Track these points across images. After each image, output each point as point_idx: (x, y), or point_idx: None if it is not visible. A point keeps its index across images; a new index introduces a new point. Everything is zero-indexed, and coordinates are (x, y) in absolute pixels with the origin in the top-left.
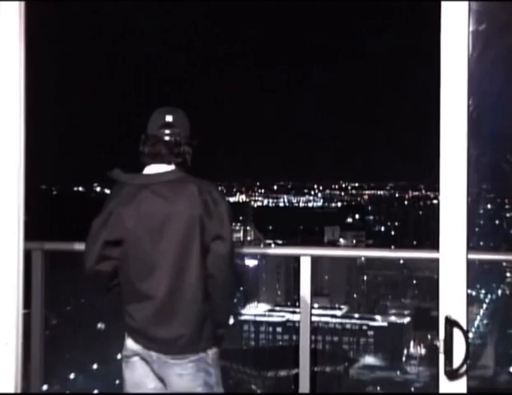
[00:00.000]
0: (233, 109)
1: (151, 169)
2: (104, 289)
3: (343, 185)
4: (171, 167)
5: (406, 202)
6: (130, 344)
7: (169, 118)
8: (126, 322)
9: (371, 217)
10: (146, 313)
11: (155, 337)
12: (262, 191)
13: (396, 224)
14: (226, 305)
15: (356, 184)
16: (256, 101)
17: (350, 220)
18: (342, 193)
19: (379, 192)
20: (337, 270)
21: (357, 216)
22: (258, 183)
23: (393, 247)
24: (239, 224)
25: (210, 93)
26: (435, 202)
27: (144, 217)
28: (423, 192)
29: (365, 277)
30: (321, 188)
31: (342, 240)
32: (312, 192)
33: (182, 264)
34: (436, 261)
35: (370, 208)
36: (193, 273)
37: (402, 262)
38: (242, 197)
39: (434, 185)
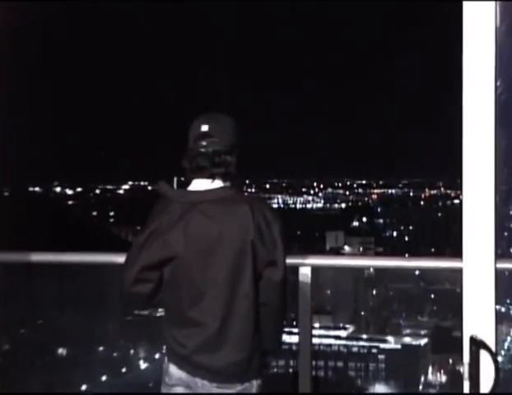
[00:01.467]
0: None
1: (198, 184)
2: (139, 309)
3: (348, 183)
4: (219, 183)
5: (422, 203)
6: (174, 371)
7: (204, 128)
8: (171, 348)
9: (381, 220)
10: (195, 340)
11: (204, 365)
12: (253, 190)
13: (410, 228)
14: (277, 333)
15: (364, 182)
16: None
17: (356, 223)
18: (347, 192)
19: (390, 191)
20: (341, 283)
21: (365, 219)
22: (246, 182)
23: (407, 255)
24: None
25: (199, 89)
26: (456, 201)
27: (192, 240)
28: (442, 190)
29: (375, 291)
30: (322, 186)
31: (346, 247)
32: (311, 192)
33: (233, 292)
34: (459, 271)
35: (379, 210)
36: (245, 302)
37: (418, 273)
38: None
39: (455, 182)
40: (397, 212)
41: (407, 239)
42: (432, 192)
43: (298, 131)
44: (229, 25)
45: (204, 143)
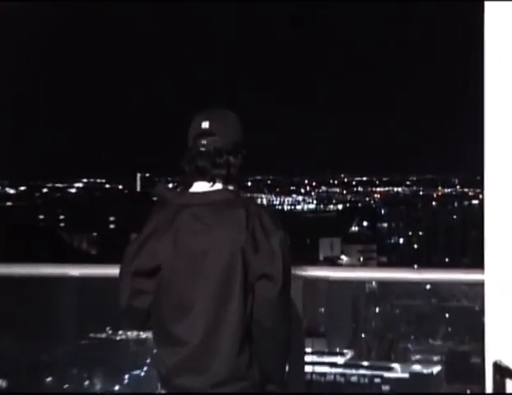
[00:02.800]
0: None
1: (198, 187)
2: (140, 328)
3: (345, 180)
4: (218, 185)
5: (434, 203)
6: (159, 391)
7: (204, 125)
8: (156, 366)
9: (385, 224)
10: (176, 359)
11: (184, 386)
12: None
13: (420, 233)
14: (276, 359)
15: (364, 178)
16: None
17: (355, 228)
18: (344, 191)
19: (395, 190)
20: (337, 299)
21: (365, 223)
22: None
23: (416, 266)
24: None
25: (186, 85)
26: (475, 202)
27: (181, 247)
28: (458, 188)
29: (378, 309)
30: (314, 183)
31: (344, 257)
32: (301, 190)
33: (221, 307)
34: (479, 285)
35: (383, 212)
36: (233, 318)
37: (429, 287)
38: None
39: (474, 179)
40: (405, 215)
41: (416, 246)
42: (446, 190)
43: (286, 120)
44: (228, 24)
45: (204, 142)
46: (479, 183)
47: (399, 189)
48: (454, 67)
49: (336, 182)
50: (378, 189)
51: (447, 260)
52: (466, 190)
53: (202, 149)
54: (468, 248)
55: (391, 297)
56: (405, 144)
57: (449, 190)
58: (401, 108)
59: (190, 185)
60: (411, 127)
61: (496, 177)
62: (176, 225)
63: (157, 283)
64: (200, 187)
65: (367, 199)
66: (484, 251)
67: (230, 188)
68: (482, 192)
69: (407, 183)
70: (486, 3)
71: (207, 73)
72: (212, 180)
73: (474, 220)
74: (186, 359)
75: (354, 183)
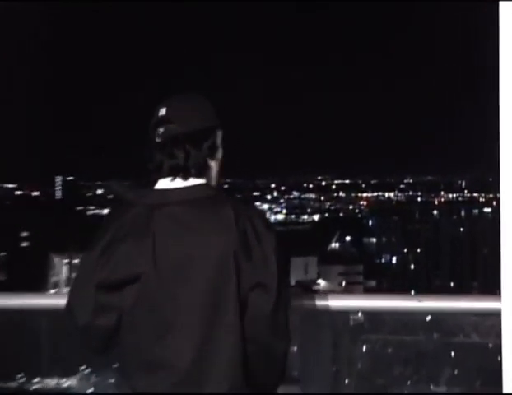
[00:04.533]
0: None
1: (164, 183)
2: (99, 352)
3: (323, 183)
4: (194, 180)
5: (435, 212)
6: None
7: (162, 112)
8: None
9: (373, 239)
10: (161, 387)
11: None
12: None
13: (418, 250)
14: (272, 382)
15: (347, 181)
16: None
17: (336, 244)
18: (322, 198)
19: (387, 195)
20: (314, 334)
21: (349, 238)
22: None
23: (413, 292)
24: None
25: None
26: (486, 210)
27: (160, 254)
28: (465, 193)
29: (365, 347)
30: (283, 188)
31: (322, 281)
32: (267, 197)
33: (211, 322)
34: (494, 316)
35: (371, 223)
36: (228, 336)
37: (429, 318)
38: None
39: (484, 181)
40: (398, 227)
41: (412, 267)
42: (450, 195)
43: (249, 112)
44: (228, 24)
45: (160, 131)
46: (492, 186)
47: (391, 194)
48: (455, 64)
49: (311, 186)
50: (364, 195)
51: (452, 284)
52: (475, 195)
53: (158, 140)
54: (479, 270)
55: (382, 332)
56: (399, 140)
57: (455, 195)
58: (395, 101)
59: (154, 183)
60: (406, 122)
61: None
62: (152, 228)
63: (129, 297)
64: (166, 183)
65: (351, 207)
66: (500, 273)
67: (202, 181)
68: (497, 198)
69: (402, 186)
70: (500, 3)
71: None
72: (171, 174)
73: (486, 234)
74: (172, 386)
75: (334, 187)
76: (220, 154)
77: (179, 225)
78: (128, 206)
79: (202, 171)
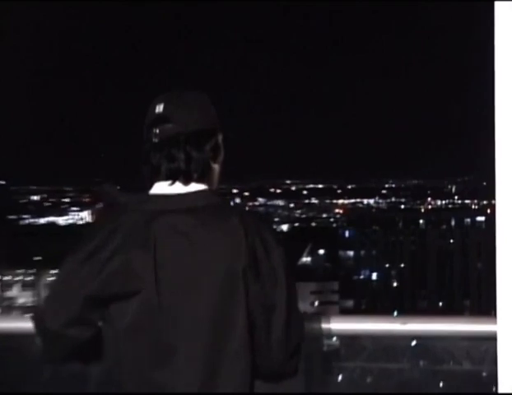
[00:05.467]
0: None
1: (162, 187)
2: (58, 360)
3: (293, 188)
4: (196, 186)
5: (421, 221)
6: None
7: (159, 109)
8: None
9: (350, 253)
10: None
11: None
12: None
13: (401, 266)
14: None
15: (320, 186)
16: None
17: (307, 259)
18: (291, 205)
19: (366, 202)
20: None
21: (322, 252)
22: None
23: (395, 313)
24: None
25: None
26: (480, 219)
27: (160, 269)
28: (456, 200)
29: (341, 376)
30: (247, 194)
31: None
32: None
33: (218, 346)
34: (489, 340)
35: (347, 234)
36: (236, 362)
37: (415, 343)
38: (85, 216)
39: (477, 185)
40: (380, 238)
41: (395, 284)
42: (439, 202)
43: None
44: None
45: (157, 131)
46: (487, 192)
47: (371, 201)
48: (444, 62)
49: (279, 191)
50: (340, 201)
51: (441, 304)
52: (467, 202)
53: (155, 140)
54: (472, 287)
55: (360, 359)
56: (380, 139)
57: (443, 202)
58: (376, 95)
59: (150, 186)
60: (388, 118)
61: (510, 187)
62: (152, 239)
63: (122, 315)
64: (164, 187)
65: (325, 216)
66: (496, 291)
67: (204, 187)
68: (492, 205)
69: (383, 192)
70: (496, 3)
71: None
72: (170, 178)
73: (480, 246)
74: None
75: (305, 192)
76: (221, 156)
77: (182, 236)
78: (122, 211)
79: (204, 175)
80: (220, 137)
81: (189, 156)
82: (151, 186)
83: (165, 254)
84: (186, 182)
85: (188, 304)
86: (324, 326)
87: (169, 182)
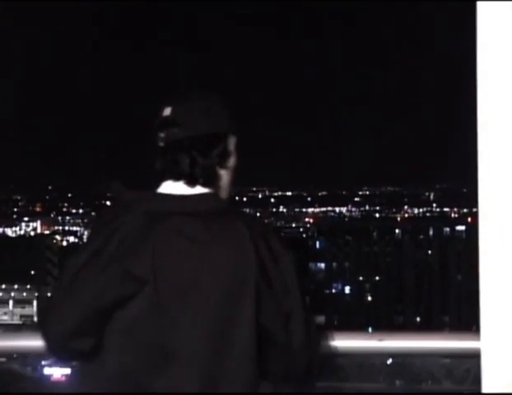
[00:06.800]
0: None
1: (169, 187)
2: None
3: (259, 195)
4: (206, 189)
5: (397, 231)
6: None
7: (166, 112)
8: None
9: (321, 265)
10: None
11: None
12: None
13: (376, 278)
14: None
15: (289, 193)
16: None
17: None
18: (258, 213)
19: (338, 210)
20: None
21: None
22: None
23: (371, 330)
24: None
25: None
26: (460, 228)
27: (163, 273)
28: (434, 208)
29: None
30: None
31: None
32: None
33: (219, 352)
34: (472, 357)
35: (318, 245)
36: (238, 369)
37: (391, 361)
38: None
39: (457, 192)
40: (353, 249)
41: (370, 298)
42: (416, 210)
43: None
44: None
45: (163, 134)
46: (468, 200)
47: (344, 210)
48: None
49: (244, 199)
50: (310, 210)
51: (418, 320)
52: (446, 210)
53: (161, 144)
54: (451, 302)
55: (334, 378)
56: (353, 143)
57: (421, 210)
58: (346, 92)
59: (156, 186)
60: (362, 120)
61: (498, 188)
62: (153, 239)
63: (120, 319)
64: (171, 187)
65: (294, 225)
66: (479, 305)
67: (210, 191)
68: (473, 213)
69: (356, 199)
70: (478, 3)
71: None
72: (174, 178)
73: (460, 257)
74: None
75: (273, 200)
76: (232, 162)
77: (184, 240)
78: (122, 212)
79: (210, 181)
80: (231, 142)
81: (194, 161)
82: (157, 186)
83: (166, 257)
84: (191, 185)
85: (190, 308)
86: None
87: (176, 182)
